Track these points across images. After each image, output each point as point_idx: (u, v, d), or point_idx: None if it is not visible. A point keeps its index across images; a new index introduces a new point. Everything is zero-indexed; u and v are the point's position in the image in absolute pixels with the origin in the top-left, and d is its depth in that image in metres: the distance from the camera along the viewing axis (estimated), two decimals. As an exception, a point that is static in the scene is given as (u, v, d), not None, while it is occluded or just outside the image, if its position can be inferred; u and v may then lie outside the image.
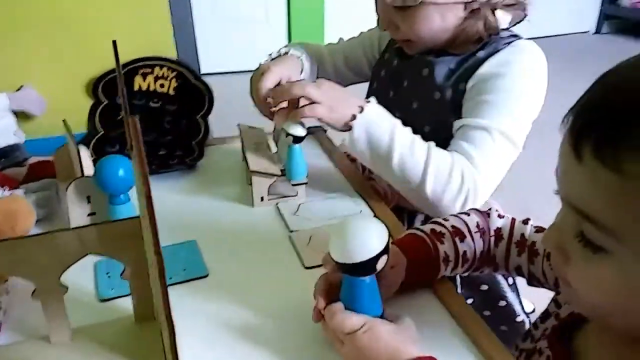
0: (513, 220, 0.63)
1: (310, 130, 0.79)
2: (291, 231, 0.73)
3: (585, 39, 3.88)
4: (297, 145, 0.78)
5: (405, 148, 0.72)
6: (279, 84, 0.80)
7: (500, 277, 0.87)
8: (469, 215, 0.63)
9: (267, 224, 0.75)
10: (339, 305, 0.51)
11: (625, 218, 0.35)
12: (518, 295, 0.89)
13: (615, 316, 0.41)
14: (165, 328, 0.32)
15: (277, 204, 0.79)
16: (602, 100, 0.36)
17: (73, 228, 0.51)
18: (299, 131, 0.76)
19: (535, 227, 0.61)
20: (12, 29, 1.02)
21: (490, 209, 0.64)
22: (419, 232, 0.60)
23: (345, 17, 3.03)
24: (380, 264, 0.49)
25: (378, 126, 0.73)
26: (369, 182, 0.87)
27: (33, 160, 0.83)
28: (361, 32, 1.02)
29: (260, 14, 3.01)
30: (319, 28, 3.08)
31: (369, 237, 0.49)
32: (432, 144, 0.74)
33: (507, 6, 0.80)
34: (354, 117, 0.73)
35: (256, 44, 2.91)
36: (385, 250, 0.49)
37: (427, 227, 0.61)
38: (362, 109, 0.73)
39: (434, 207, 0.73)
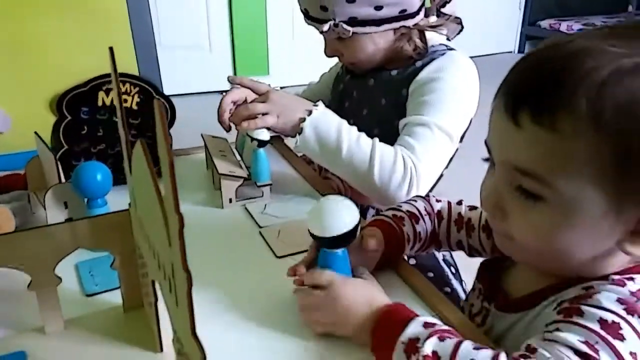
0: (449, 202, 0.71)
1: (270, 141, 0.85)
2: (261, 227, 0.78)
3: (508, 58, 4.18)
4: (261, 150, 0.84)
5: (352, 142, 0.81)
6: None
7: (444, 265, 0.96)
8: (416, 201, 0.71)
9: (238, 223, 0.80)
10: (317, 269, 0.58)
11: (557, 167, 0.44)
12: (461, 282, 0.98)
13: (546, 260, 0.50)
14: (183, 283, 0.37)
15: (244, 205, 0.85)
16: (530, 76, 0.46)
17: (66, 221, 0.55)
18: (264, 135, 0.82)
19: (468, 206, 0.70)
20: (-22, 50, 1.03)
21: (428, 196, 0.73)
22: (384, 217, 0.68)
23: (287, 36, 3.15)
24: (352, 238, 0.56)
25: (325, 124, 0.82)
26: (325, 181, 0.94)
27: (0, 174, 0.84)
28: (323, 74, 1.16)
29: (205, 43, 3.08)
30: (262, 59, 3.18)
31: (344, 214, 0.56)
32: (376, 139, 0.83)
33: (433, 27, 0.92)
34: (302, 120, 0.81)
35: (204, 70, 3.00)
36: (357, 227, 0.56)
37: (389, 213, 0.69)
38: (310, 112, 0.82)
39: (383, 195, 0.81)
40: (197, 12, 3.01)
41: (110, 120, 0.97)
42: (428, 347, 0.47)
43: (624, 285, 0.46)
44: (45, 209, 0.73)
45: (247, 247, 0.74)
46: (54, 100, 1.04)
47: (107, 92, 0.96)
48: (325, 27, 0.86)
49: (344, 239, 0.56)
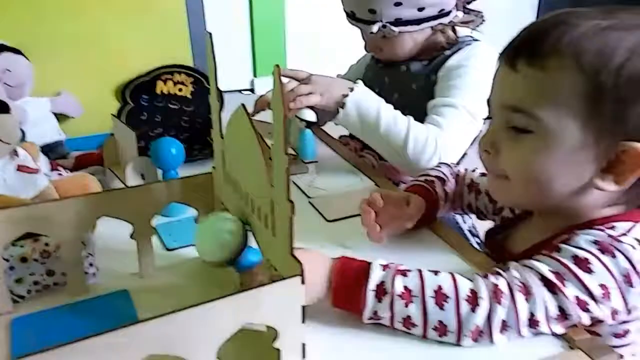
0: (465, 169, 0.82)
1: (316, 122, 0.96)
2: (310, 197, 0.89)
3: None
4: (308, 130, 0.95)
5: (390, 119, 0.91)
6: None
7: (470, 236, 1.05)
8: (440, 167, 0.82)
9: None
10: None
11: (543, 100, 0.54)
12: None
13: (531, 195, 0.59)
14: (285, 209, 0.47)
15: (292, 180, 0.95)
16: (526, 33, 0.57)
17: (163, 180, 0.65)
18: (311, 116, 0.93)
19: (480, 173, 0.80)
20: (51, 46, 1.14)
21: (449, 164, 0.84)
22: (418, 182, 0.78)
23: (305, 36, 3.25)
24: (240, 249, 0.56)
25: (366, 101, 0.92)
26: (361, 159, 1.04)
27: (76, 153, 0.95)
28: (351, 65, 1.25)
29: (224, 39, 3.18)
30: (280, 51, 3.27)
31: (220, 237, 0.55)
32: (411, 117, 0.93)
33: (465, 23, 1.03)
34: (345, 96, 0.91)
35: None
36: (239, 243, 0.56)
37: (421, 178, 0.78)
38: (352, 89, 0.92)
39: (414, 168, 0.92)
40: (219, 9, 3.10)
41: (167, 107, 1.07)
42: (399, 286, 0.53)
43: (603, 231, 0.55)
44: (121, 181, 0.84)
45: (299, 214, 0.84)
46: (118, 89, 1.15)
47: (165, 81, 1.06)
48: (375, 29, 0.96)
49: (235, 258, 0.56)
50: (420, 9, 0.95)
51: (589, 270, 0.51)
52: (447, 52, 1.01)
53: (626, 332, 0.57)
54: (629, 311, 0.53)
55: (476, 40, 1.04)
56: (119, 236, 0.65)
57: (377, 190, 0.76)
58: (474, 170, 0.81)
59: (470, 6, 1.05)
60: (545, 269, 0.52)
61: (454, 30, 1.03)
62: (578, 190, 0.57)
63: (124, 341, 0.39)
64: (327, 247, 0.72)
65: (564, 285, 0.50)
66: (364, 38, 1.07)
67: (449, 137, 0.91)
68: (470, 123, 0.94)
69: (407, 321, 0.53)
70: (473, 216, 0.82)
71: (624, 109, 0.52)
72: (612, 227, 0.56)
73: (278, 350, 0.47)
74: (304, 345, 0.49)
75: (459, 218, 1.02)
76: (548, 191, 0.58)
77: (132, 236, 0.64)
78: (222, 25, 3.12)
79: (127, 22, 1.21)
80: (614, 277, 0.51)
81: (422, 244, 0.72)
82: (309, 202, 0.87)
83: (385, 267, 0.55)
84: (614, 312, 0.52)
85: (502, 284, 0.52)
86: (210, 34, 0.57)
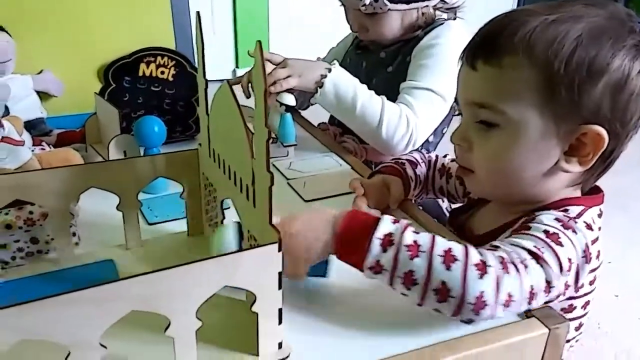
0: (437, 155, 0.86)
1: (295, 106, 0.98)
2: (288, 179, 0.92)
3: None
4: (288, 114, 0.97)
5: (366, 99, 0.95)
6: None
7: (448, 215, 1.09)
8: (412, 153, 0.86)
9: (268, 175, 0.93)
10: None
11: (504, 95, 0.58)
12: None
13: (499, 186, 0.64)
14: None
15: (272, 163, 0.98)
16: (481, 34, 0.61)
17: (147, 155, 0.67)
18: (290, 100, 0.95)
19: (451, 159, 0.84)
20: (34, 22, 1.14)
21: (421, 149, 0.88)
22: (388, 163, 0.82)
23: (288, 35, 3.26)
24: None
25: (344, 81, 0.96)
26: (341, 145, 1.07)
27: (58, 131, 0.96)
28: (331, 48, 1.27)
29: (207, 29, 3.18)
30: (264, 41, 3.27)
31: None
32: (384, 97, 0.97)
33: (451, 8, 1.07)
34: (323, 77, 0.95)
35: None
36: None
37: (392, 161, 0.82)
38: (329, 70, 0.96)
39: (387, 145, 0.96)
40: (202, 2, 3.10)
41: (149, 90, 1.08)
42: (408, 238, 0.51)
43: (558, 212, 0.59)
44: (104, 158, 0.85)
45: (279, 194, 0.87)
46: (101, 69, 1.17)
47: (148, 64, 1.08)
48: (367, 1, 0.98)
49: None
50: None
51: (560, 244, 0.54)
52: (421, 33, 1.05)
53: (573, 307, 0.61)
54: (577, 287, 0.56)
55: (450, 19, 1.07)
56: (106, 209, 0.67)
57: (355, 178, 0.80)
58: (445, 156, 0.85)
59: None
60: (529, 244, 0.53)
61: (434, 14, 1.07)
62: (545, 175, 0.61)
63: (107, 296, 0.41)
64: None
65: (543, 254, 0.52)
66: (348, 21, 1.09)
67: (420, 116, 0.96)
68: (440, 102, 0.99)
69: (409, 277, 0.51)
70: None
71: (579, 95, 0.56)
72: (566, 210, 0.60)
73: (256, 313, 0.50)
74: (280, 310, 0.52)
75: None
76: (518, 180, 0.62)
77: (118, 207, 0.66)
78: (204, 15, 3.12)
79: (111, 4, 1.22)
80: (576, 252, 0.55)
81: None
82: (288, 183, 0.90)
83: (396, 221, 0.54)
84: (566, 286, 0.55)
85: (506, 257, 0.51)
86: (198, 12, 0.60)
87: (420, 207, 1.01)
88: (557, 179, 0.61)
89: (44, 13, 1.16)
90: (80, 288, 0.41)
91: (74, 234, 0.66)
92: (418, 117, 0.96)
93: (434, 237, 0.52)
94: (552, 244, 0.53)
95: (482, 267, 0.50)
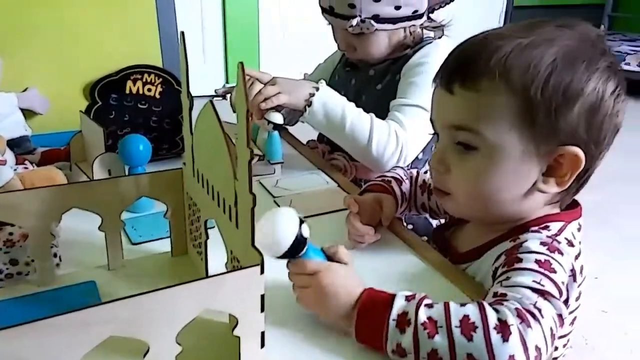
0: (417, 171, 0.86)
1: (283, 124, 0.99)
2: (275, 196, 0.91)
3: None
4: (275, 132, 0.97)
5: (355, 116, 0.95)
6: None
7: None
8: (396, 169, 0.86)
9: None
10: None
11: (482, 118, 0.58)
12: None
13: (476, 208, 0.64)
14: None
15: (259, 180, 0.97)
16: (457, 57, 0.62)
17: (131, 174, 0.66)
18: (278, 118, 0.95)
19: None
20: (19, 39, 1.13)
21: (403, 167, 0.89)
22: (376, 182, 0.82)
23: (278, 50, 3.28)
24: (305, 234, 0.56)
25: (332, 99, 0.96)
26: (330, 162, 1.07)
27: (42, 149, 0.95)
28: (319, 64, 1.27)
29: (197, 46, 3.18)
30: (253, 59, 3.29)
31: (284, 227, 0.55)
32: (373, 114, 0.97)
33: (436, 27, 1.08)
34: (311, 95, 0.95)
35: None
36: (298, 235, 0.55)
37: (379, 179, 0.82)
38: (317, 89, 0.96)
39: (378, 163, 0.96)
40: (192, 16, 3.11)
41: (136, 107, 1.08)
42: (422, 315, 0.51)
43: (540, 232, 0.60)
44: (88, 177, 0.85)
45: (264, 212, 0.87)
46: (87, 86, 1.16)
47: (134, 81, 1.08)
48: (354, 22, 0.99)
49: (293, 251, 0.55)
50: (397, 7, 0.99)
51: (553, 271, 0.54)
52: (410, 52, 1.06)
53: (561, 324, 0.61)
54: (567, 306, 0.56)
55: (438, 37, 1.08)
56: (88, 229, 0.66)
57: (349, 195, 0.79)
58: (425, 172, 0.85)
59: (438, 13, 1.10)
60: (528, 281, 0.52)
61: (421, 33, 1.08)
62: (523, 196, 0.61)
63: (86, 321, 0.41)
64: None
65: (544, 287, 0.52)
66: (336, 39, 1.10)
67: (410, 132, 0.96)
68: (429, 120, 0.99)
69: (433, 356, 0.49)
70: None
71: (556, 118, 0.56)
72: (547, 227, 0.60)
73: (238, 337, 0.50)
74: (262, 333, 0.51)
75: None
76: (496, 202, 0.62)
77: (100, 228, 0.65)
78: (195, 30, 3.13)
79: (98, 21, 1.22)
80: (566, 274, 0.55)
81: (378, 242, 0.75)
82: (274, 201, 0.90)
83: (409, 297, 0.53)
84: None
85: (520, 307, 0.50)
86: (182, 33, 0.60)
87: (411, 225, 1.02)
88: (534, 199, 0.62)
89: (30, 30, 1.16)
90: (57, 313, 0.40)
91: (55, 255, 0.65)
92: (408, 134, 0.96)
93: (447, 306, 0.51)
94: (548, 273, 0.53)
95: (504, 328, 0.48)
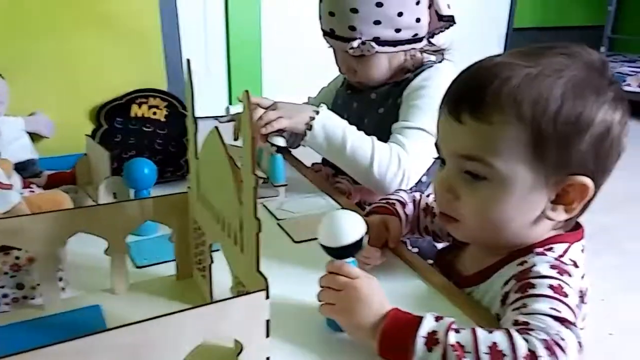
0: (420, 194, 0.86)
1: (286, 147, 0.99)
2: (278, 219, 0.91)
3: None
4: (279, 155, 0.98)
5: (355, 139, 0.96)
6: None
7: None
8: (399, 192, 0.86)
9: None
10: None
11: (492, 150, 0.58)
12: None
13: (484, 234, 0.64)
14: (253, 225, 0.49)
15: (262, 203, 0.98)
16: (465, 85, 0.62)
17: (136, 199, 0.67)
18: (281, 142, 0.96)
19: (434, 198, 0.84)
20: (27, 64, 1.15)
21: (406, 190, 0.88)
22: (380, 204, 0.82)
23: (281, 72, 3.31)
24: (359, 249, 0.60)
25: (332, 123, 0.97)
26: (334, 185, 1.08)
27: (48, 173, 0.96)
28: (322, 88, 1.30)
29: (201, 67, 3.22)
30: (257, 81, 3.32)
31: (350, 226, 0.58)
32: (374, 137, 0.98)
33: (436, 51, 1.09)
34: (312, 119, 0.96)
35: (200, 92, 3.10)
36: (362, 238, 0.59)
37: (383, 202, 0.83)
38: (317, 112, 0.97)
39: (380, 185, 0.96)
40: (196, 38, 3.15)
41: (141, 130, 1.09)
42: (452, 338, 0.51)
43: (546, 255, 0.60)
44: (94, 200, 0.85)
45: (268, 235, 0.87)
46: (93, 110, 1.18)
47: (140, 105, 1.09)
48: (355, 44, 1.00)
49: (351, 250, 0.59)
50: (397, 30, 1.00)
51: (566, 295, 0.54)
52: (411, 75, 1.07)
53: None
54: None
55: (439, 61, 1.09)
56: (94, 253, 0.67)
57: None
58: (428, 195, 0.85)
59: (438, 37, 1.11)
60: (546, 308, 0.52)
61: (422, 56, 1.09)
62: (532, 223, 0.62)
63: (89, 348, 0.41)
64: (295, 267, 0.76)
65: (561, 313, 0.52)
66: (337, 63, 1.11)
67: (412, 155, 0.97)
68: (432, 141, 0.99)
69: None
70: None
71: (566, 149, 0.57)
72: (551, 249, 0.61)
73: (243, 363, 0.49)
74: (268, 359, 0.51)
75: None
76: (506, 230, 0.62)
77: (106, 252, 0.65)
78: (198, 53, 3.16)
79: (103, 46, 1.24)
80: (576, 295, 0.55)
81: (382, 264, 0.75)
82: (278, 223, 0.90)
83: (438, 318, 0.54)
84: None
85: (548, 339, 0.50)
86: (189, 60, 0.61)
87: (417, 249, 1.02)
88: (543, 225, 0.62)
89: (37, 56, 1.18)
90: (61, 340, 0.40)
91: (60, 279, 0.65)
92: (410, 156, 0.96)
93: (474, 331, 0.51)
94: (562, 298, 0.53)
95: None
